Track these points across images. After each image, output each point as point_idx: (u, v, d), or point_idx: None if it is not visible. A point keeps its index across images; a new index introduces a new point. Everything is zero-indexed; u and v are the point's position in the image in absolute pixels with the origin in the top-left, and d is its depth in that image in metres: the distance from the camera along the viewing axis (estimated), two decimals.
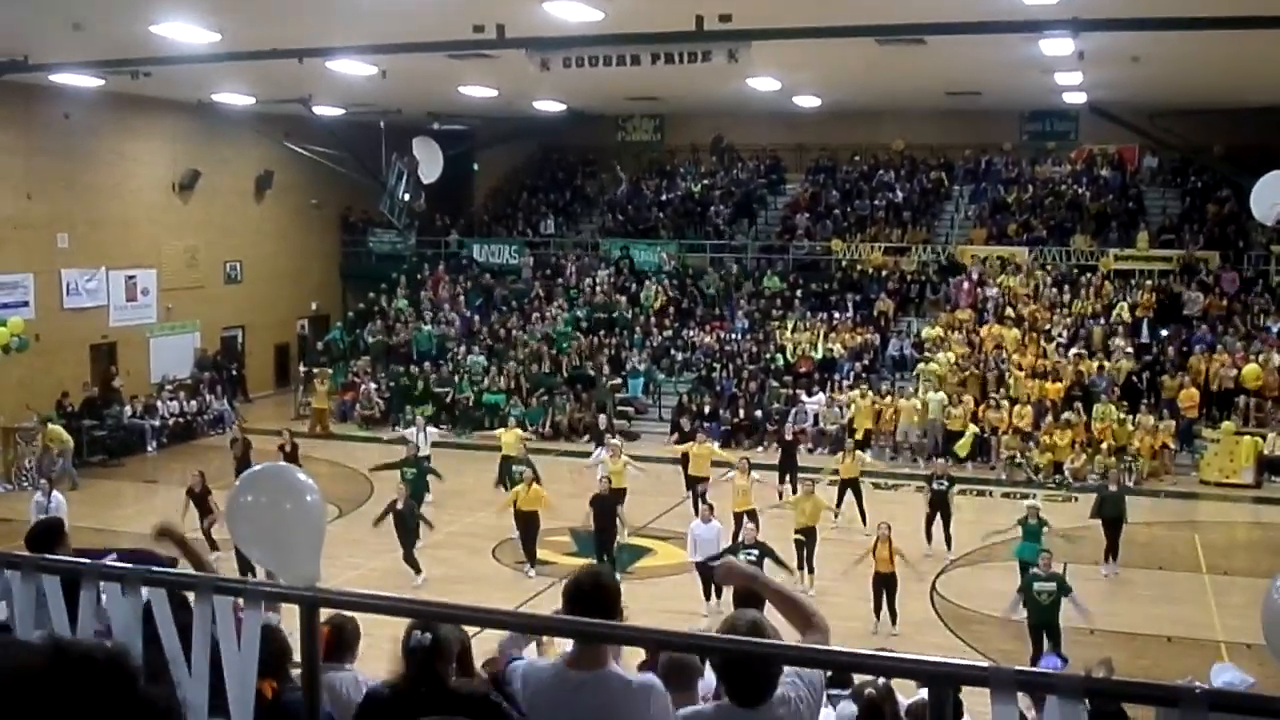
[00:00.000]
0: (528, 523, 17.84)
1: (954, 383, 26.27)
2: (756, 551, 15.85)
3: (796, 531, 16.92)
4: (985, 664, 2.89)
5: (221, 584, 3.33)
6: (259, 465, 4.91)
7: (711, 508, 16.80)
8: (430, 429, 22.94)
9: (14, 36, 18.32)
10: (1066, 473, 23.66)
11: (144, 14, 16.15)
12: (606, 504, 17.63)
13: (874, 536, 15.80)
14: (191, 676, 3.26)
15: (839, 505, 19.60)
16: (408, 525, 17.14)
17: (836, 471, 20.62)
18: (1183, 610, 16.42)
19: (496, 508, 19.05)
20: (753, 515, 17.30)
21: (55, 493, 17.55)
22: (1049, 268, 29.95)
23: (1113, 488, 18.68)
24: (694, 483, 20.39)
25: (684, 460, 21.15)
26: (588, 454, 22.31)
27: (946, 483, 18.82)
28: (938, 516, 18.51)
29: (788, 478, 21.51)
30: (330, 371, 29.97)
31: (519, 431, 22.69)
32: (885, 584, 15.31)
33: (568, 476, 21.28)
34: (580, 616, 4.01)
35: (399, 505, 17.21)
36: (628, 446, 25.78)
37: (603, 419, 25.04)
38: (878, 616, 15.31)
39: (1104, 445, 24.00)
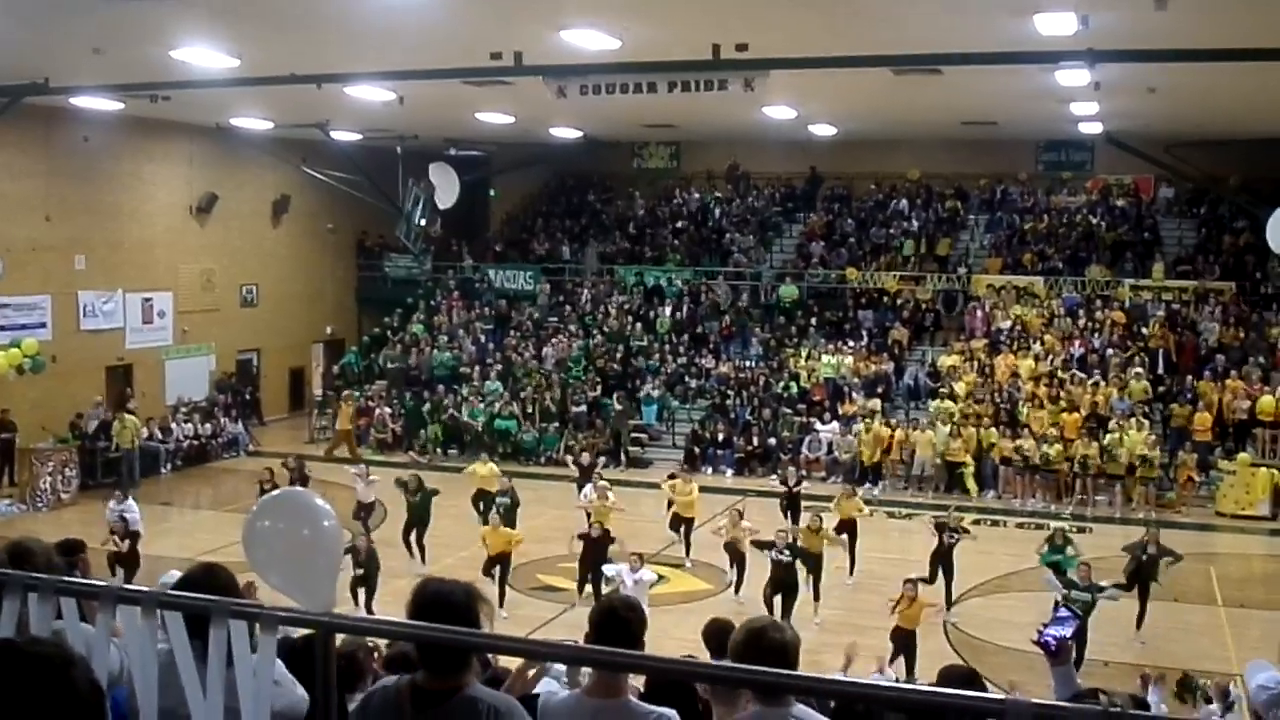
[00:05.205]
0: (495, 564, 17.11)
1: (968, 414, 26.13)
2: (789, 554, 15.92)
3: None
4: (1001, 695, 2.87)
5: (237, 609, 3.32)
6: (277, 490, 4.91)
7: (641, 557, 15.76)
8: (373, 479, 20.48)
9: (35, 60, 18.45)
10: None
11: (164, 39, 16.25)
12: (597, 547, 17.10)
13: (900, 593, 14.83)
14: (206, 700, 3.26)
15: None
16: (368, 568, 16.18)
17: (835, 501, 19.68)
18: (1199, 643, 16.30)
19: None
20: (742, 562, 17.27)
21: (130, 500, 18.22)
22: (1064, 296, 29.90)
23: (1151, 549, 16.58)
24: (678, 523, 19.94)
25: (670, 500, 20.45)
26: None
27: (957, 536, 17.62)
28: (940, 569, 17.41)
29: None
30: (355, 394, 29.77)
31: (493, 466, 21.85)
32: (904, 641, 14.56)
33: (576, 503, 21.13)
34: (604, 642, 4.05)
35: (358, 543, 16.23)
36: (640, 473, 25.82)
37: (585, 456, 23.20)
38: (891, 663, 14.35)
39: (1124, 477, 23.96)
